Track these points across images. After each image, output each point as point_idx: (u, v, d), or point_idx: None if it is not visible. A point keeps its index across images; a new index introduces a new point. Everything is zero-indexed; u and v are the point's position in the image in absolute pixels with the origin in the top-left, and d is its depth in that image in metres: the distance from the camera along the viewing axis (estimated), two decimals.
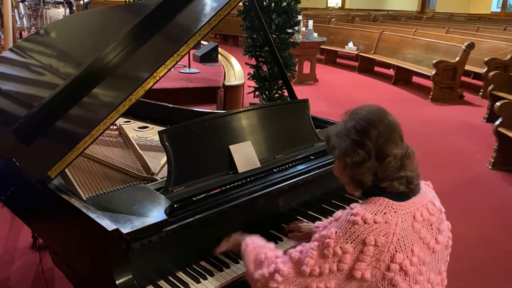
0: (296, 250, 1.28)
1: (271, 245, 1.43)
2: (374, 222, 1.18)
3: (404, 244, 1.20)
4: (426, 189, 1.35)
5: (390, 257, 1.18)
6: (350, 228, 1.19)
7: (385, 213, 1.20)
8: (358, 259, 1.18)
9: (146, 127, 2.65)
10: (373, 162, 1.23)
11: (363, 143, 1.23)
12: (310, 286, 1.22)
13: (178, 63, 2.90)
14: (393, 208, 1.22)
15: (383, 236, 1.18)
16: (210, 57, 6.77)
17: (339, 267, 1.19)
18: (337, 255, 1.18)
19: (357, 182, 1.27)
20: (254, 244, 1.44)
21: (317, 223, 1.65)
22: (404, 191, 1.25)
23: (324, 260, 1.20)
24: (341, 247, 1.18)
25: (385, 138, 1.23)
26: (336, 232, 1.20)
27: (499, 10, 19.06)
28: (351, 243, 1.18)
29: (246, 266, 1.41)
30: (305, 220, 1.85)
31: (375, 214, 1.20)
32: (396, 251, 1.18)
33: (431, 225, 1.27)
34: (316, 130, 2.12)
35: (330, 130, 1.34)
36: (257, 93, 5.29)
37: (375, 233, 1.18)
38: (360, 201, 1.30)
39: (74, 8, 7.90)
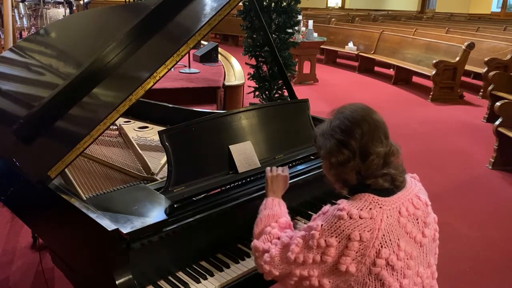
0: (287, 235, 1.31)
1: (284, 220, 1.44)
2: (360, 217, 1.19)
3: (390, 239, 1.20)
4: (412, 182, 1.35)
5: (376, 252, 1.18)
6: (335, 223, 1.20)
7: (370, 208, 1.21)
8: (343, 254, 1.18)
9: (146, 127, 2.65)
10: (356, 161, 1.24)
11: (348, 143, 1.24)
12: (293, 273, 1.24)
13: (178, 63, 2.90)
14: (379, 204, 1.22)
15: (368, 231, 1.18)
16: (210, 57, 6.76)
17: (323, 259, 1.20)
18: (321, 247, 1.20)
19: (342, 181, 1.30)
20: (272, 211, 1.45)
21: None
22: (389, 188, 1.26)
23: (308, 250, 1.22)
24: (325, 240, 1.19)
25: (369, 137, 1.24)
26: (322, 225, 1.21)
27: (499, 10, 19.06)
28: (336, 237, 1.19)
29: (255, 224, 1.45)
30: (303, 220, 1.86)
31: (361, 209, 1.21)
32: (381, 246, 1.19)
33: (417, 219, 1.28)
34: None
35: (316, 129, 1.35)
36: (257, 93, 5.29)
37: (360, 228, 1.18)
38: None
39: (74, 8, 7.88)
